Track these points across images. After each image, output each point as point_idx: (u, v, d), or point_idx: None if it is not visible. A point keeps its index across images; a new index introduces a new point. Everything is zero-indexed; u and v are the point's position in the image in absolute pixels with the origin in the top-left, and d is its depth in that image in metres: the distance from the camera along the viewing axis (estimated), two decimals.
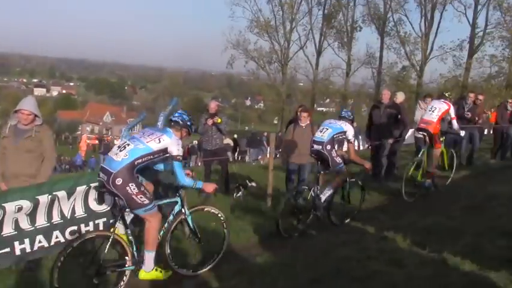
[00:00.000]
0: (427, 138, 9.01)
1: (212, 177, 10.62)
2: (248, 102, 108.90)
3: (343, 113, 7.79)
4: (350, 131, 7.55)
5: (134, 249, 5.11)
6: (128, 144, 4.92)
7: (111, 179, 4.73)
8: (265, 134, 28.43)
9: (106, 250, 4.83)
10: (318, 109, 49.43)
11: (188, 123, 5.34)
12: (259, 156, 25.48)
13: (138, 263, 5.11)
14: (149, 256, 5.08)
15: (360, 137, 26.21)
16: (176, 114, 5.36)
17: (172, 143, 5.00)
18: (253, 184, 10.44)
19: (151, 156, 4.94)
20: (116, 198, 4.96)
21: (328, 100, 52.10)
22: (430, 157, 9.13)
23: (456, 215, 6.58)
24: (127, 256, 5.08)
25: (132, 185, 4.76)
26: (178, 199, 5.54)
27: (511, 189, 7.83)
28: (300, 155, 8.75)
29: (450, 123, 9.66)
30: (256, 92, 72.72)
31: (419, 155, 9.28)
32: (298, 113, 9.19)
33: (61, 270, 4.52)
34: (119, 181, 4.73)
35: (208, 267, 5.75)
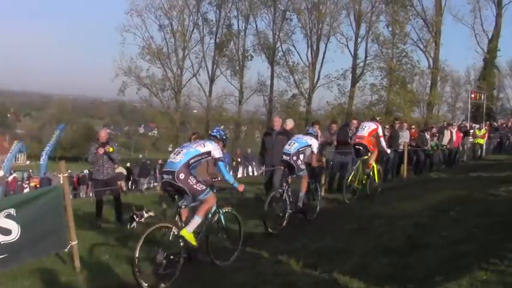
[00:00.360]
0: (361, 151, 10.98)
1: (105, 207, 10.29)
2: (141, 130, 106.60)
3: (310, 130, 10.03)
4: (314, 144, 9.60)
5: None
6: (182, 150, 6.47)
7: (175, 175, 6.18)
8: (159, 161, 28.03)
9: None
10: None
11: (224, 137, 7.38)
12: (154, 184, 25.04)
13: (185, 224, 6.35)
14: (196, 221, 6.35)
15: (254, 163, 26.84)
16: (214, 130, 7.33)
17: (214, 148, 6.64)
18: (151, 214, 10.24)
19: (200, 157, 6.49)
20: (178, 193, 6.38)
21: (222, 127, 52.72)
22: (363, 168, 11.17)
23: (344, 237, 6.97)
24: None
25: (191, 178, 6.27)
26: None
27: (391, 210, 8.45)
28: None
29: (378, 141, 11.47)
30: (150, 119, 71.50)
31: (356, 166, 11.17)
32: (192, 140, 9.24)
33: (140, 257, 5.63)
34: (181, 176, 6.18)
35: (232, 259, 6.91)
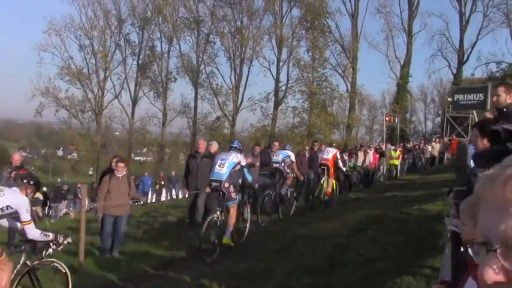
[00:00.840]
0: (325, 171, 13.53)
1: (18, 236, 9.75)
2: (60, 153, 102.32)
3: (287, 146, 13.68)
4: (292, 155, 12.72)
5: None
6: (224, 162, 8.71)
7: (222, 184, 8.50)
8: (78, 185, 26.98)
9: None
10: (136, 158, 48.61)
11: (241, 147, 9.71)
12: (72, 210, 24.05)
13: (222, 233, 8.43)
14: (229, 229, 8.59)
15: (176, 185, 26.49)
16: (234, 143, 9.64)
17: (242, 157, 9.07)
18: (69, 240, 9.77)
19: (237, 167, 8.82)
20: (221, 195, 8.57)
21: (145, 149, 51.77)
22: (328, 183, 13.62)
23: (267, 258, 7.05)
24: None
25: (231, 186, 8.60)
26: None
27: (312, 230, 8.66)
28: (117, 207, 8.56)
29: (337, 162, 14.06)
30: (69, 142, 68.94)
31: (322, 181, 13.57)
32: (114, 164, 9.03)
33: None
34: (226, 184, 8.50)
35: None
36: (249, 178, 9.50)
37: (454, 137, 28.91)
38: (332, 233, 8.37)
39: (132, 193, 9.04)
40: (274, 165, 12.17)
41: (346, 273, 5.73)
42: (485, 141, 3.41)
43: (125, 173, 8.83)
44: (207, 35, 45.25)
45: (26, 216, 5.10)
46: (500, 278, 0.68)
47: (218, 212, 8.71)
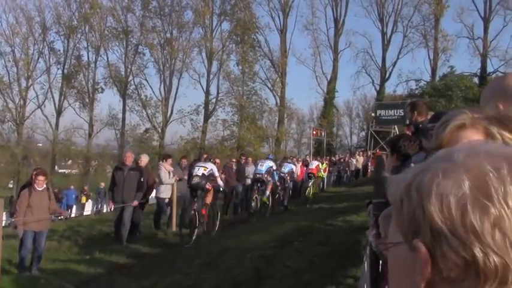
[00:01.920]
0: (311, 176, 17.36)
1: None
2: None
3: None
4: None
5: None
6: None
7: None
8: None
9: None
10: (60, 171, 46.68)
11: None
12: None
13: None
14: None
15: (105, 198, 25.69)
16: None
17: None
18: None
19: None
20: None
21: (70, 161, 49.98)
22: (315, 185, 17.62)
23: (194, 272, 6.99)
24: None
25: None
26: None
27: (240, 242, 8.68)
28: (38, 222, 8.18)
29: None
30: None
31: (310, 184, 17.24)
32: (34, 177, 8.64)
33: None
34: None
35: None
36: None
37: (377, 150, 30.05)
38: (260, 245, 8.43)
39: (53, 207, 8.68)
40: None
41: (272, 285, 5.79)
42: (392, 158, 3.58)
43: (45, 186, 8.46)
44: (136, 45, 44.69)
45: None
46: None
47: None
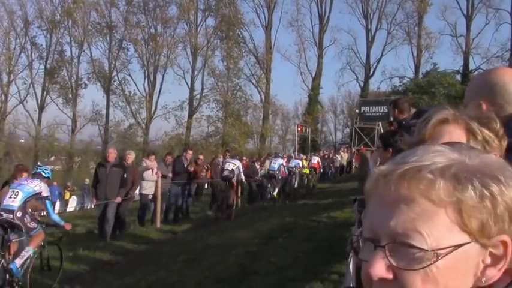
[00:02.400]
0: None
1: None
2: None
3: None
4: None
5: None
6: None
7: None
8: None
9: None
10: None
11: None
12: None
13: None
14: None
15: (89, 194, 25.40)
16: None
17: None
18: None
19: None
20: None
21: (53, 158, 49.46)
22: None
23: (178, 268, 6.96)
24: None
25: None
26: None
27: (225, 239, 8.67)
28: None
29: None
30: None
31: (311, 177, 19.54)
32: (17, 173, 8.52)
33: None
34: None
35: None
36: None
37: (362, 147, 30.22)
38: (244, 241, 8.43)
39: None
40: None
41: (257, 281, 5.79)
42: (387, 153, 3.59)
43: None
44: (120, 41, 44.35)
45: None
46: (387, 274, 0.68)
47: None
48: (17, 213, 6.53)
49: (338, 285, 5.03)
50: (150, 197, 11.89)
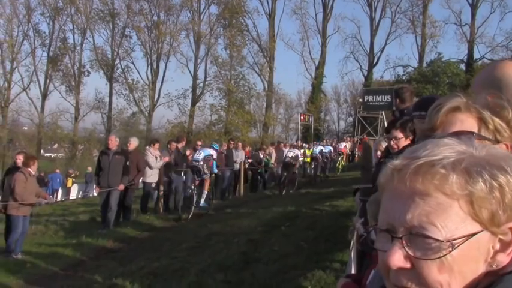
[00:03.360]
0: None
1: None
2: None
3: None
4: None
5: None
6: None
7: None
8: None
9: None
10: (46, 155, 46.16)
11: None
12: None
13: None
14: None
15: (92, 182, 25.54)
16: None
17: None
18: None
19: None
20: None
21: (56, 145, 49.60)
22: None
23: (181, 256, 7.00)
24: None
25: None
26: None
27: (227, 227, 8.71)
28: (24, 206, 8.13)
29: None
30: None
31: (339, 159, 21.86)
32: (29, 161, 8.56)
33: None
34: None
35: None
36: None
37: (364, 136, 30.19)
38: (246, 229, 8.47)
39: (37, 190, 8.67)
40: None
41: (259, 269, 5.81)
42: (407, 139, 3.55)
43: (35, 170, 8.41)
44: (123, 28, 44.25)
45: None
46: (405, 264, 0.72)
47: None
48: (200, 163, 11.92)
49: (340, 273, 5.05)
50: (154, 185, 11.92)
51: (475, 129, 1.17)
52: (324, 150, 20.77)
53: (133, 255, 8.18)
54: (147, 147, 12.34)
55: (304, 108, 44.60)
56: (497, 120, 1.18)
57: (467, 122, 1.19)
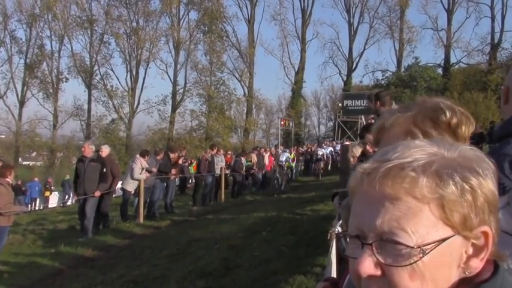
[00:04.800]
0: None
1: None
2: None
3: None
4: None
5: None
6: None
7: None
8: None
9: None
10: (24, 163, 45.34)
11: None
12: None
13: None
14: None
15: (70, 190, 25.24)
16: None
17: None
18: None
19: None
20: None
21: (35, 153, 48.82)
22: None
23: (162, 263, 6.95)
24: None
25: None
26: None
27: (208, 233, 8.67)
28: (10, 216, 8.00)
29: None
30: None
31: None
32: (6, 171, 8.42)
33: None
34: None
35: None
36: None
37: (345, 140, 30.38)
38: (227, 235, 8.44)
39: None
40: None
41: (240, 275, 5.80)
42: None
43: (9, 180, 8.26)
44: (101, 35, 43.82)
45: None
46: (375, 271, 0.70)
47: None
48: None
49: (320, 277, 5.06)
50: (133, 192, 11.84)
51: None
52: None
53: (113, 263, 8.08)
54: (138, 156, 12.18)
55: (285, 113, 44.70)
56: (431, 132, 1.16)
57: (394, 140, 1.18)
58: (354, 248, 0.74)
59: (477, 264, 0.73)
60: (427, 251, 0.68)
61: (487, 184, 0.71)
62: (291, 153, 23.55)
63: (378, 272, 0.70)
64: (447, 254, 0.70)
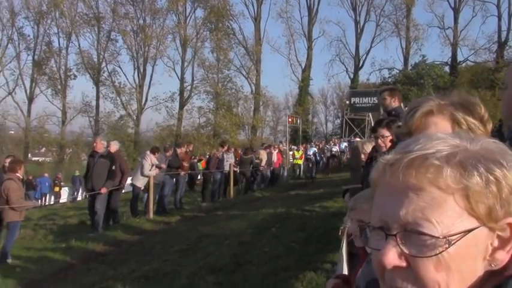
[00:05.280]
0: None
1: None
2: None
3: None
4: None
5: None
6: None
7: None
8: None
9: None
10: (33, 159, 45.59)
11: None
12: None
13: None
14: None
15: (81, 186, 25.41)
16: None
17: None
18: None
19: None
20: None
21: (44, 149, 49.04)
22: None
23: (172, 258, 7.00)
24: None
25: None
26: None
27: (218, 229, 8.72)
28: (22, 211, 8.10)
29: None
30: None
31: None
32: (18, 166, 8.51)
33: None
34: None
35: None
36: None
37: (353, 137, 30.34)
38: (237, 231, 8.49)
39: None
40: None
41: (250, 271, 5.84)
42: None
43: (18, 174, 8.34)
44: (108, 32, 43.98)
45: None
46: (400, 262, 0.69)
47: None
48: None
49: (331, 274, 5.08)
50: (142, 188, 11.92)
51: (449, 131, 1.17)
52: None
53: (123, 258, 8.14)
54: (148, 152, 12.22)
55: (292, 111, 44.64)
56: (469, 119, 1.20)
57: (441, 124, 1.21)
58: (377, 239, 0.73)
59: (503, 257, 0.71)
60: (452, 242, 0.67)
61: (511, 176, 0.70)
62: (298, 151, 23.62)
63: (403, 263, 0.69)
64: (473, 246, 0.69)
